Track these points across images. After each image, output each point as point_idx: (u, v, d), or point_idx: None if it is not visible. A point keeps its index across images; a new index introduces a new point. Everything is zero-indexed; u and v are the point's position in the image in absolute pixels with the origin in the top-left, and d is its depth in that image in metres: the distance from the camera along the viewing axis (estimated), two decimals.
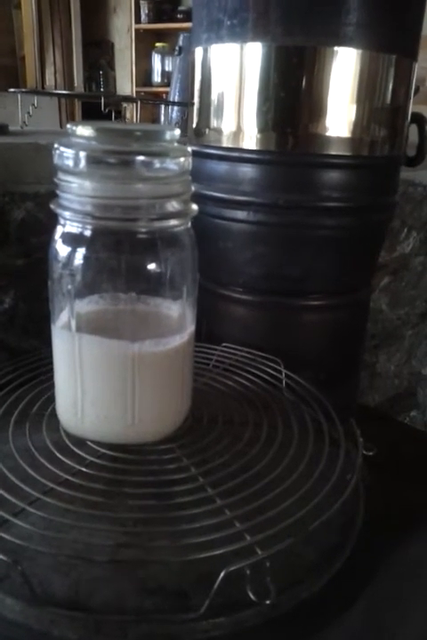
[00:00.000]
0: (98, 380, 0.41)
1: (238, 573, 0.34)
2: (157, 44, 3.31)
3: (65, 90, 3.52)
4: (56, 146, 0.38)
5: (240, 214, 0.60)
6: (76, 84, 3.63)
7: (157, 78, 3.35)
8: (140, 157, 0.38)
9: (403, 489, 0.53)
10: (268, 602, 0.33)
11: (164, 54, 3.26)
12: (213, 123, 0.61)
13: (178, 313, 0.42)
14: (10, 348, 0.66)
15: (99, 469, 0.41)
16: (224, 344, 0.61)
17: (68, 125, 0.38)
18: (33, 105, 1.00)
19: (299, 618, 0.37)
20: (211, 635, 0.34)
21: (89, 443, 0.43)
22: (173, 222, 0.41)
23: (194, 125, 0.63)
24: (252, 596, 0.33)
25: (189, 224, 0.43)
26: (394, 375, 1.18)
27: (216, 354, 0.60)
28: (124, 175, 0.38)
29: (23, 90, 0.97)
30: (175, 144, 0.41)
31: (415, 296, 1.16)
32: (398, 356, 1.18)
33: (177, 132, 0.40)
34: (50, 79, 3.64)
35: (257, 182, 0.59)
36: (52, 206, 0.39)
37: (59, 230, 0.40)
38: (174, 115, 1.20)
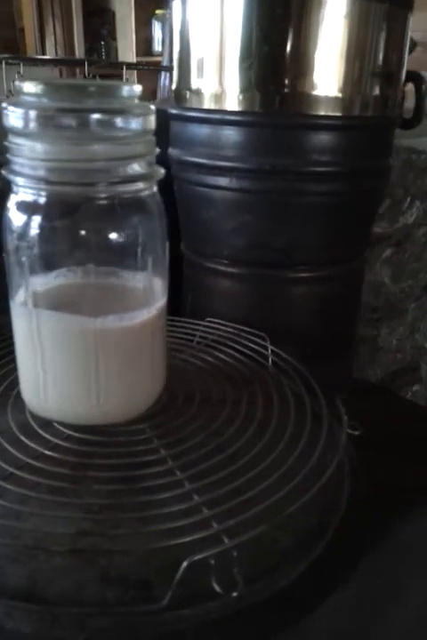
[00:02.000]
0: (59, 358, 0.38)
1: (204, 563, 0.31)
2: (158, 12, 3.23)
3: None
4: (4, 105, 0.35)
5: (222, 181, 0.56)
6: (77, 55, 3.57)
7: (157, 47, 3.28)
8: (96, 115, 0.35)
9: (397, 467, 0.51)
10: (234, 594, 0.30)
11: (164, 22, 3.18)
12: (194, 83, 0.57)
13: (144, 285, 0.39)
14: None
15: (63, 452, 0.38)
16: (208, 319, 0.58)
17: (17, 82, 0.35)
18: (19, 73, 0.97)
19: (273, 608, 0.34)
20: (174, 628, 0.31)
21: (55, 424, 0.41)
22: (135, 186, 0.38)
23: (174, 87, 0.60)
24: (217, 588, 0.31)
25: (155, 188, 0.40)
26: (396, 349, 1.14)
27: (200, 329, 0.57)
28: (79, 135, 0.35)
29: (5, 57, 0.93)
30: (136, 101, 0.37)
31: (419, 268, 1.12)
32: (401, 330, 1.14)
33: (137, 87, 0.37)
34: (50, 51, 3.57)
35: (240, 146, 0.55)
36: (3, 172, 0.36)
37: (12, 198, 0.37)
38: (167, 82, 1.16)
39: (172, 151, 0.61)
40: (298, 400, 0.45)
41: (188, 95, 0.58)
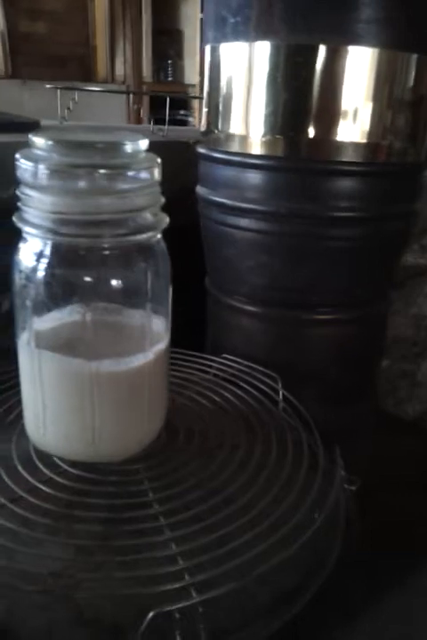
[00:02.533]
0: (57, 396, 0.40)
1: (171, 615, 0.32)
2: None
3: (134, 80, 3.57)
4: (17, 157, 0.37)
5: (243, 222, 0.57)
6: (144, 74, 3.67)
7: None
8: (102, 170, 0.37)
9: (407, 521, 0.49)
10: None
11: None
12: (221, 126, 0.58)
13: (142, 330, 0.41)
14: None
15: (55, 488, 0.40)
16: (224, 355, 0.59)
17: (30, 136, 0.37)
18: (73, 99, 1.01)
19: None
20: None
21: (55, 458, 0.43)
22: (140, 237, 0.39)
23: (202, 128, 0.61)
24: None
25: (159, 236, 0.41)
26: None
27: (214, 365, 0.58)
28: (86, 189, 0.37)
29: (59, 86, 0.97)
30: (142, 154, 0.39)
31: None
32: None
33: (143, 142, 0.38)
34: (119, 69, 3.71)
35: (262, 189, 0.56)
36: (14, 219, 0.38)
37: (21, 244, 0.39)
38: None
39: (199, 189, 0.62)
40: (299, 449, 0.45)
41: (215, 136, 0.59)
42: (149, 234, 0.40)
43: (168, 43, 3.73)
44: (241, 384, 0.54)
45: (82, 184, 0.37)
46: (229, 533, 0.37)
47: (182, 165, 0.64)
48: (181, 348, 0.60)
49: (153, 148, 0.81)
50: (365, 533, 0.53)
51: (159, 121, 0.97)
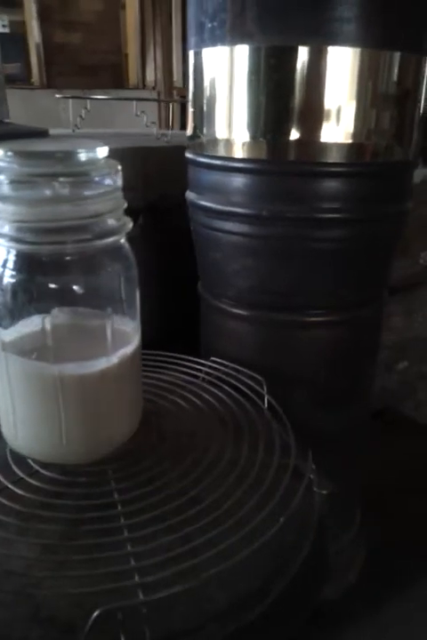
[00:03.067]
0: (25, 399, 0.41)
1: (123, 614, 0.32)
2: None
3: (165, 86, 3.61)
4: None
5: (228, 225, 0.57)
6: (175, 79, 3.71)
7: None
8: (61, 178, 0.38)
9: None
10: None
11: None
12: (206, 130, 0.58)
13: (107, 334, 0.41)
14: None
15: (25, 488, 0.41)
16: (212, 358, 0.59)
17: None
18: (85, 108, 1.03)
19: None
20: None
21: (29, 460, 0.44)
22: (104, 241, 0.40)
23: (188, 133, 0.62)
24: None
25: (123, 240, 0.42)
26: None
27: (203, 368, 0.59)
28: (46, 197, 0.38)
29: (68, 95, 1.00)
30: (101, 162, 0.39)
31: None
32: None
33: (102, 150, 0.39)
34: (150, 75, 3.75)
35: (245, 192, 0.56)
36: None
37: None
38: None
39: (188, 194, 0.63)
40: (271, 451, 0.45)
41: (200, 141, 0.59)
42: (113, 238, 0.40)
43: None
44: (225, 388, 0.54)
45: (41, 192, 0.38)
46: (188, 534, 0.37)
47: (184, 170, 0.64)
48: (179, 351, 0.60)
49: (155, 153, 0.82)
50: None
51: None
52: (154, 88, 3.65)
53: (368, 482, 0.74)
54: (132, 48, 3.77)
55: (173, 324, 0.76)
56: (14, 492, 0.41)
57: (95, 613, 0.32)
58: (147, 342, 0.54)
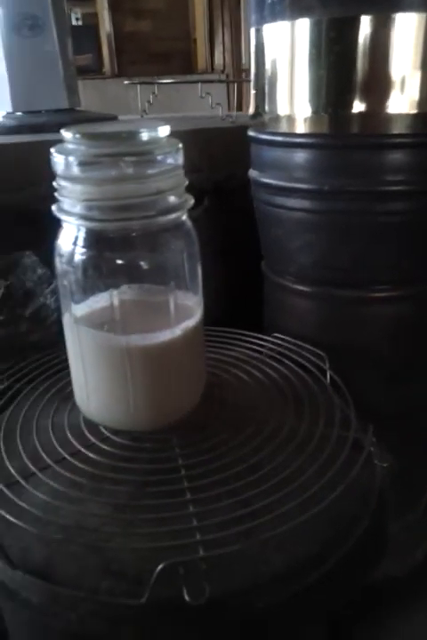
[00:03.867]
0: (96, 369, 0.44)
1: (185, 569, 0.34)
2: None
3: (233, 69, 3.60)
4: (51, 151, 0.41)
5: (289, 202, 0.57)
6: (243, 62, 3.68)
7: None
8: (127, 158, 0.40)
9: None
10: (196, 602, 0.33)
11: None
12: (268, 107, 0.59)
13: (170, 307, 0.43)
14: None
15: (97, 453, 0.44)
16: (274, 334, 0.60)
17: (61, 130, 0.41)
18: (153, 93, 1.05)
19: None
20: (152, 624, 0.35)
21: (100, 427, 0.46)
22: (167, 217, 0.42)
23: (250, 111, 0.62)
24: (185, 594, 0.33)
25: (185, 216, 0.43)
26: None
27: (266, 344, 0.59)
28: (113, 177, 0.40)
29: (136, 81, 1.02)
30: (163, 141, 0.41)
31: None
32: None
33: (164, 129, 0.41)
34: (218, 59, 3.75)
35: (307, 168, 0.56)
36: (53, 209, 0.42)
37: (60, 231, 0.43)
38: None
39: (251, 172, 0.64)
40: (331, 423, 0.46)
41: (263, 118, 0.60)
42: (175, 215, 0.42)
43: None
44: (287, 362, 0.55)
45: (108, 172, 0.40)
46: (248, 498, 0.38)
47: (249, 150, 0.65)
48: (243, 329, 0.62)
49: (220, 134, 0.83)
50: None
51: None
52: (223, 71, 3.65)
53: None
54: (201, 32, 3.77)
55: (238, 303, 0.77)
56: (87, 455, 0.44)
57: (159, 567, 0.34)
58: (212, 320, 0.55)
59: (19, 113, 0.88)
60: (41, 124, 0.85)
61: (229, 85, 3.06)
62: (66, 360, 0.55)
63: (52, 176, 0.42)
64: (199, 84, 0.92)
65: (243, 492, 0.39)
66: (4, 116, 0.90)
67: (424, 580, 0.68)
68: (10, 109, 0.88)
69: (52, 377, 0.55)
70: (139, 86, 1.07)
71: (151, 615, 0.35)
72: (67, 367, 0.54)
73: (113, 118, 0.93)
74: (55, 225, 0.44)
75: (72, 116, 0.89)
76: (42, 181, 0.66)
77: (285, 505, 0.37)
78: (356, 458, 0.42)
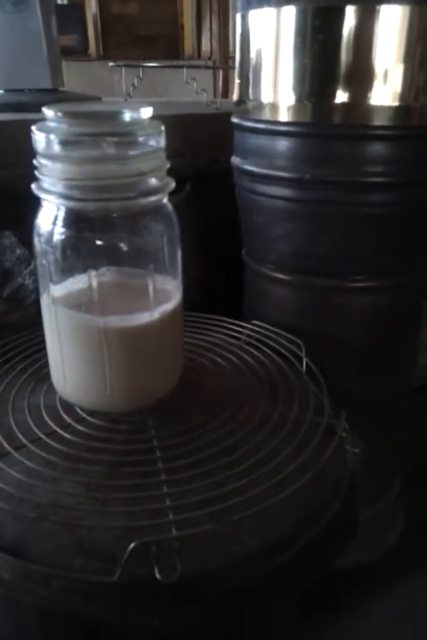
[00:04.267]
0: (73, 350, 0.44)
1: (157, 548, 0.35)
2: None
3: (220, 56, 3.58)
4: (32, 129, 0.41)
5: (270, 189, 0.58)
6: (231, 48, 3.66)
7: None
8: (108, 138, 0.39)
9: None
10: (167, 580, 0.33)
11: None
12: (251, 94, 0.59)
13: (149, 290, 0.43)
14: None
15: (73, 433, 0.44)
16: (253, 321, 0.60)
17: (43, 108, 0.41)
18: (138, 76, 1.05)
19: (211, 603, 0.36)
20: (124, 600, 0.35)
21: (76, 408, 0.47)
22: (147, 199, 0.42)
23: (234, 98, 0.62)
24: (157, 572, 0.34)
25: (166, 199, 0.43)
26: None
27: (244, 331, 0.60)
28: (94, 156, 0.40)
29: (121, 64, 1.01)
30: (145, 122, 0.41)
31: None
32: None
33: (146, 110, 0.41)
34: (206, 45, 3.73)
35: (289, 156, 0.56)
36: (32, 187, 0.42)
37: (40, 210, 0.43)
38: None
39: (234, 159, 0.64)
40: (305, 409, 0.46)
41: (246, 105, 0.60)
42: (156, 197, 0.42)
43: None
44: (265, 349, 0.56)
45: (89, 151, 0.40)
46: (221, 480, 0.39)
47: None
48: (222, 315, 0.62)
49: (203, 120, 0.83)
50: None
51: None
52: (209, 58, 3.63)
53: (410, 456, 0.74)
54: (188, 17, 3.74)
55: (217, 290, 0.78)
56: (63, 436, 0.44)
57: (132, 545, 0.34)
58: (192, 306, 0.56)
59: (1, 91, 0.87)
60: (23, 103, 0.84)
61: (215, 72, 3.04)
62: (43, 341, 0.55)
63: (33, 155, 0.42)
64: (185, 69, 0.92)
65: (217, 473, 0.40)
66: None
67: (394, 565, 0.69)
68: None
69: (29, 357, 0.55)
70: (124, 69, 1.06)
71: (123, 592, 0.35)
72: (44, 348, 0.54)
73: (96, 100, 0.92)
74: (35, 205, 0.44)
75: (55, 97, 0.88)
76: (22, 161, 0.66)
77: (257, 487, 0.38)
78: (328, 443, 0.42)
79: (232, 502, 0.37)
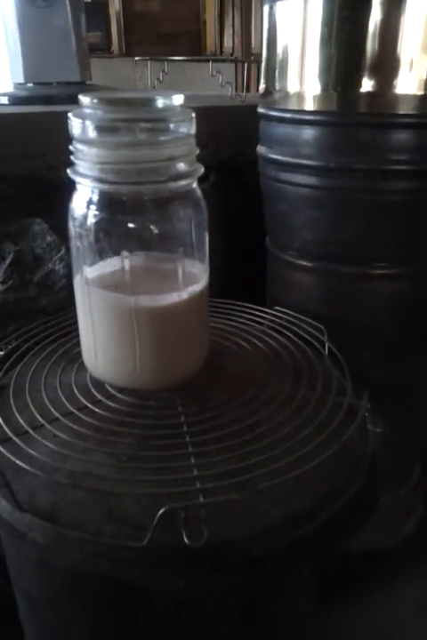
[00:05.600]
0: (105, 328, 0.46)
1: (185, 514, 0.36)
2: None
3: (242, 51, 3.58)
4: (69, 116, 0.43)
5: (296, 177, 0.59)
6: (253, 45, 3.66)
7: None
8: (142, 124, 0.41)
9: None
10: (195, 545, 0.35)
11: None
12: (278, 84, 0.60)
13: (179, 271, 0.45)
14: None
15: (103, 408, 0.46)
16: (276, 308, 0.62)
17: (79, 95, 0.42)
18: (163, 71, 1.06)
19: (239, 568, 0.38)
20: (152, 564, 0.37)
21: (106, 385, 0.48)
22: (178, 183, 0.43)
23: (261, 89, 0.63)
24: (185, 537, 0.35)
25: (195, 184, 0.45)
26: None
27: (267, 317, 0.61)
28: (128, 141, 0.42)
29: (147, 58, 1.03)
30: (177, 109, 0.42)
31: None
32: None
33: (177, 98, 0.42)
34: (228, 41, 3.73)
35: (314, 145, 0.57)
36: (68, 172, 0.44)
37: (74, 194, 0.45)
38: None
39: (259, 148, 0.65)
40: (328, 390, 0.47)
41: (272, 95, 0.61)
42: (185, 182, 0.44)
43: None
44: (288, 334, 0.57)
45: (123, 137, 0.41)
46: (245, 454, 0.40)
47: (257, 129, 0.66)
48: (245, 302, 0.64)
49: (228, 112, 0.84)
50: None
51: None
52: (231, 54, 3.63)
53: None
54: (211, 14, 3.75)
55: (241, 278, 0.79)
56: (94, 411, 0.46)
57: (161, 510, 0.36)
58: (216, 294, 0.57)
59: (30, 84, 0.89)
60: (52, 96, 0.87)
61: (237, 66, 3.05)
62: (73, 324, 0.57)
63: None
64: (210, 63, 0.93)
65: (241, 448, 0.41)
66: (14, 87, 0.91)
67: (413, 553, 0.70)
68: (21, 80, 0.89)
69: (60, 339, 0.57)
70: (149, 63, 1.08)
71: (151, 556, 0.37)
72: (73, 330, 0.56)
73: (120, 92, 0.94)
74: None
75: (82, 90, 0.90)
76: (50, 152, 0.68)
77: (280, 461, 0.39)
78: (350, 422, 0.44)
79: (256, 474, 0.38)
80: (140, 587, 0.38)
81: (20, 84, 0.89)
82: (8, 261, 0.66)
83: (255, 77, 3.11)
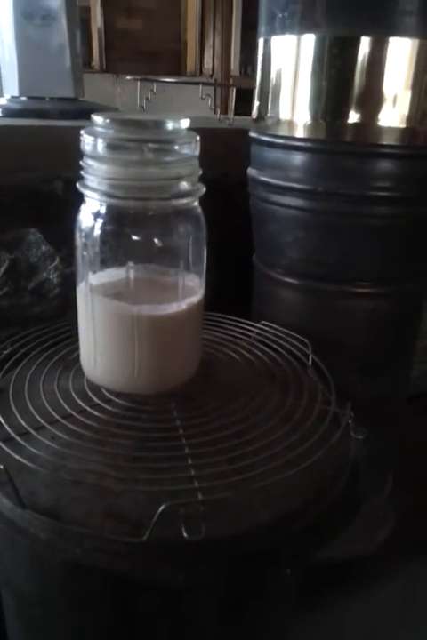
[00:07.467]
0: (106, 334, 0.48)
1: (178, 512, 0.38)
2: None
3: (222, 74, 3.65)
4: (81, 133, 0.45)
5: (285, 199, 0.62)
6: (232, 67, 3.72)
7: None
8: (150, 144, 0.44)
9: None
10: (193, 539, 0.37)
11: None
12: (270, 111, 0.64)
13: (178, 283, 0.47)
14: None
15: (102, 411, 0.48)
16: (262, 322, 0.65)
17: (92, 115, 0.45)
18: (151, 91, 1.09)
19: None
20: (151, 559, 0.39)
21: (103, 390, 0.50)
22: (181, 201, 0.46)
23: (254, 115, 0.67)
24: (184, 532, 0.38)
25: (197, 203, 0.48)
26: None
27: (254, 330, 0.64)
28: (136, 160, 0.44)
29: (138, 77, 1.06)
30: (184, 132, 0.45)
31: None
32: None
33: (185, 121, 0.45)
34: (208, 62, 3.80)
35: (303, 169, 0.61)
36: (77, 185, 0.46)
37: (83, 207, 0.47)
38: None
39: (250, 170, 0.69)
40: (313, 400, 0.50)
41: (265, 121, 0.65)
42: (187, 200, 0.46)
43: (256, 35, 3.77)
44: (274, 346, 0.60)
45: (132, 155, 0.44)
46: (237, 456, 0.43)
47: (245, 151, 0.70)
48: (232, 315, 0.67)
49: (218, 134, 0.88)
50: None
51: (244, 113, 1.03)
52: (211, 76, 3.70)
53: (402, 458, 0.78)
54: (192, 35, 3.81)
55: (227, 294, 0.82)
56: (92, 413, 0.48)
57: (162, 507, 0.38)
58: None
59: (23, 97, 0.91)
60: (45, 111, 0.89)
61: (215, 89, 3.10)
62: (68, 331, 0.59)
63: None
64: (200, 86, 0.97)
65: (236, 450, 0.44)
66: (8, 100, 0.93)
67: (386, 559, 0.73)
68: (16, 93, 0.91)
69: (55, 346, 0.59)
70: (139, 83, 1.11)
71: (150, 552, 0.39)
72: (69, 337, 0.58)
73: (115, 111, 0.96)
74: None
75: (75, 106, 0.93)
76: (45, 165, 0.70)
77: (272, 463, 0.42)
78: (335, 429, 0.47)
79: (249, 475, 0.41)
80: (138, 580, 0.40)
81: (13, 97, 0.91)
82: (3, 269, 0.67)
83: (232, 100, 3.18)
